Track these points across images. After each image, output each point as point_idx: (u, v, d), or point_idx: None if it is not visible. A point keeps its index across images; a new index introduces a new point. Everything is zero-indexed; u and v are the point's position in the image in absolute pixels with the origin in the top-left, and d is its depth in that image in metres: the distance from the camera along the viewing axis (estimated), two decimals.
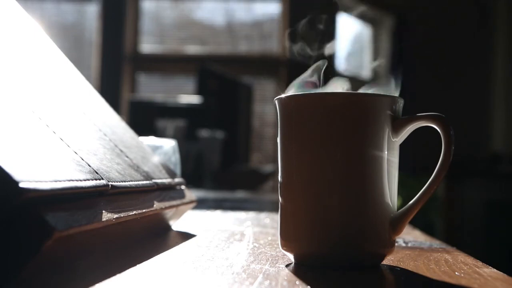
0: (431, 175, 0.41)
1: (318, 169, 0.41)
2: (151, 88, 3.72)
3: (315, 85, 0.45)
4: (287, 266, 0.41)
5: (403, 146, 0.43)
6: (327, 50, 0.46)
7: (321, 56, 0.46)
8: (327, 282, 0.36)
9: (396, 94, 0.43)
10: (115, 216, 0.40)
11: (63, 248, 0.33)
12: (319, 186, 0.41)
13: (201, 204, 0.89)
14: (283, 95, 0.43)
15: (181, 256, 0.44)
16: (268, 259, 0.43)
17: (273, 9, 3.65)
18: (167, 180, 0.59)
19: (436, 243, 0.56)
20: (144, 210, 0.46)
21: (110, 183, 0.41)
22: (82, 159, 0.40)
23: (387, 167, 0.41)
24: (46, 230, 0.30)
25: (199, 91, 2.52)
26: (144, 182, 0.50)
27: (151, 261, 0.41)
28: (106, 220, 0.38)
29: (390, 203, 0.42)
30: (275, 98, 0.44)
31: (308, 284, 0.35)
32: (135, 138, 0.64)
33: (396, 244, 0.43)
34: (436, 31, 3.64)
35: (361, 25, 3.87)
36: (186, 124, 2.15)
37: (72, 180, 0.35)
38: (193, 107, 2.46)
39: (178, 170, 0.70)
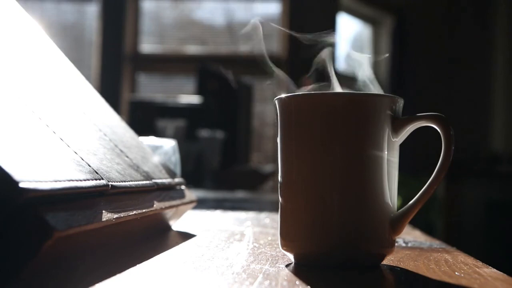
0: (431, 175, 0.41)
1: (318, 169, 0.41)
2: (151, 88, 3.72)
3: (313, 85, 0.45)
4: (287, 266, 0.41)
5: (403, 146, 0.43)
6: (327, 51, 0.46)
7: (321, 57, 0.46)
8: (327, 282, 0.36)
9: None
10: (115, 216, 0.39)
11: (63, 248, 0.33)
12: (319, 186, 0.41)
13: (201, 204, 0.89)
14: (283, 95, 0.43)
15: (181, 256, 0.44)
16: (268, 259, 0.43)
17: (273, 9, 3.65)
18: (167, 180, 0.59)
19: (436, 243, 0.56)
20: (144, 210, 0.46)
21: (110, 183, 0.41)
22: (82, 159, 0.40)
23: (387, 167, 0.41)
24: (46, 230, 0.30)
25: (199, 91, 2.52)
26: (144, 182, 0.50)
27: (151, 261, 0.41)
28: (106, 220, 0.38)
29: (390, 203, 0.42)
30: (275, 98, 0.44)
31: (308, 284, 0.35)
32: (135, 138, 0.64)
33: (396, 244, 0.43)
34: (436, 31, 3.64)
35: (361, 25, 3.87)
36: (186, 124, 2.15)
37: (72, 180, 0.35)
38: (193, 107, 2.46)
39: (178, 170, 0.70)
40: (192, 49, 3.66)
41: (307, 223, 0.41)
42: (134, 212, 0.44)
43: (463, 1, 3.67)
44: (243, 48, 3.50)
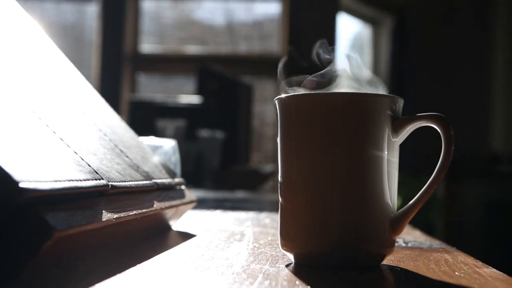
0: (431, 175, 0.41)
1: (318, 169, 0.41)
2: (151, 88, 3.72)
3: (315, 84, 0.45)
4: (287, 266, 0.41)
5: (403, 146, 0.43)
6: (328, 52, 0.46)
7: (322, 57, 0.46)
8: (327, 282, 0.36)
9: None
10: (115, 216, 0.39)
11: (63, 248, 0.33)
12: (319, 186, 0.41)
13: (201, 204, 0.89)
14: (283, 95, 0.43)
15: (181, 256, 0.44)
16: (268, 259, 0.43)
17: (273, 9, 3.65)
18: (167, 180, 0.59)
19: (436, 243, 0.56)
20: (144, 210, 0.46)
21: (110, 183, 0.41)
22: (82, 159, 0.40)
23: (387, 167, 0.41)
24: (46, 230, 0.30)
25: (199, 91, 2.52)
26: (144, 182, 0.50)
27: (151, 261, 0.41)
28: (106, 220, 0.38)
29: (390, 203, 0.42)
30: (275, 98, 0.44)
31: (308, 284, 0.35)
32: (135, 138, 0.64)
33: (396, 244, 0.43)
34: (436, 31, 3.64)
35: (361, 25, 3.87)
36: (186, 124, 2.15)
37: (72, 180, 0.35)
38: (193, 107, 2.46)
39: (178, 170, 0.70)
40: (192, 49, 3.66)
41: (307, 223, 0.41)
42: (134, 212, 0.44)
43: (463, 1, 3.67)
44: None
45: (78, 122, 0.49)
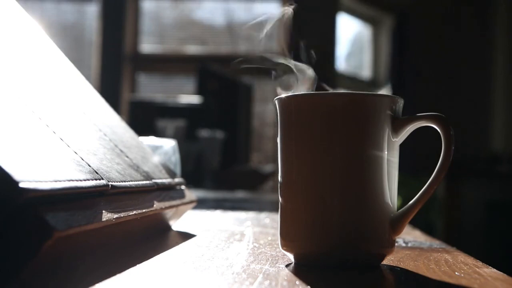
0: (431, 175, 0.41)
1: (318, 169, 0.41)
2: (151, 88, 3.72)
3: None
4: (287, 266, 0.41)
5: (403, 146, 0.43)
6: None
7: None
8: (327, 282, 0.36)
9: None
10: (115, 216, 0.39)
11: (63, 248, 0.33)
12: (319, 186, 0.41)
13: (201, 204, 0.89)
14: (283, 95, 0.43)
15: (181, 256, 0.44)
16: (268, 259, 0.43)
17: (273, 9, 3.65)
18: (167, 180, 0.59)
19: (436, 243, 0.56)
20: (144, 210, 0.46)
21: (110, 183, 0.41)
22: (82, 159, 0.40)
23: (387, 167, 0.41)
24: (46, 230, 0.30)
25: (199, 91, 2.52)
26: (144, 182, 0.50)
27: (151, 261, 0.41)
28: (106, 220, 0.38)
29: (390, 203, 0.42)
30: (275, 98, 0.44)
31: (308, 284, 0.35)
32: (135, 138, 0.64)
33: (396, 244, 0.43)
34: (436, 31, 3.64)
35: (361, 25, 3.87)
36: (186, 124, 2.15)
37: (72, 180, 0.35)
38: (193, 107, 2.46)
39: (178, 170, 0.70)
40: (192, 49, 3.66)
41: (307, 223, 0.41)
42: (134, 212, 0.44)
43: (463, 1, 3.67)
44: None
45: (78, 122, 0.49)
